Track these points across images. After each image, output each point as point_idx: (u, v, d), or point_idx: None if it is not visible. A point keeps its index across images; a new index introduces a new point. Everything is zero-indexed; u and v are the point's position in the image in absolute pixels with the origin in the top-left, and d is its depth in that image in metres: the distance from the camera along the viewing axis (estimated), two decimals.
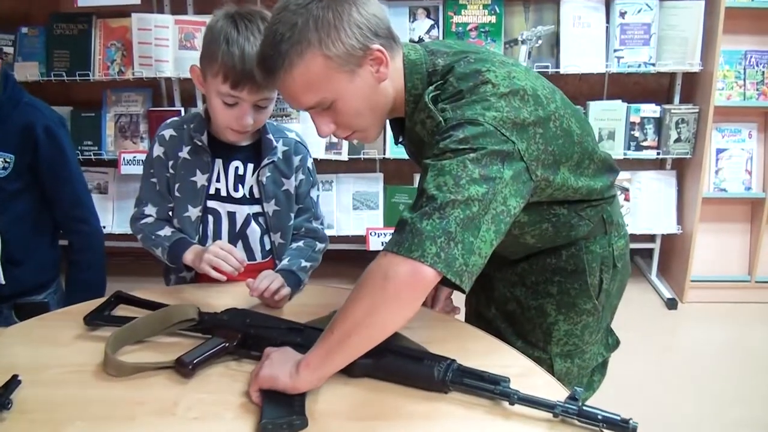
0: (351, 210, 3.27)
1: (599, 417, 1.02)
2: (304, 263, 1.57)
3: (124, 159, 3.16)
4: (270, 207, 1.59)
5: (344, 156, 3.16)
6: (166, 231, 1.58)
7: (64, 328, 1.36)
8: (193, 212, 1.57)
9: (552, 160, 1.18)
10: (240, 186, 1.59)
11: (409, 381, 1.14)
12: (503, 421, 1.07)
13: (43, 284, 1.88)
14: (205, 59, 1.46)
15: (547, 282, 1.39)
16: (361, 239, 3.28)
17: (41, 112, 1.80)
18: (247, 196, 1.59)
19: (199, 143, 1.55)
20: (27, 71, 3.16)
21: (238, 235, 1.60)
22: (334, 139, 3.10)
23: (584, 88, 3.32)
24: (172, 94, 3.23)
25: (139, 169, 3.07)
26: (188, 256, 1.51)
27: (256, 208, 1.59)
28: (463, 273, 1.04)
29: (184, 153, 1.56)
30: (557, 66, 3.07)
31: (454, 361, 1.14)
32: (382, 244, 3.19)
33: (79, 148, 3.19)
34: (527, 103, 1.14)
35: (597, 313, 1.40)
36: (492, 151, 1.07)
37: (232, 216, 1.59)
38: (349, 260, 3.22)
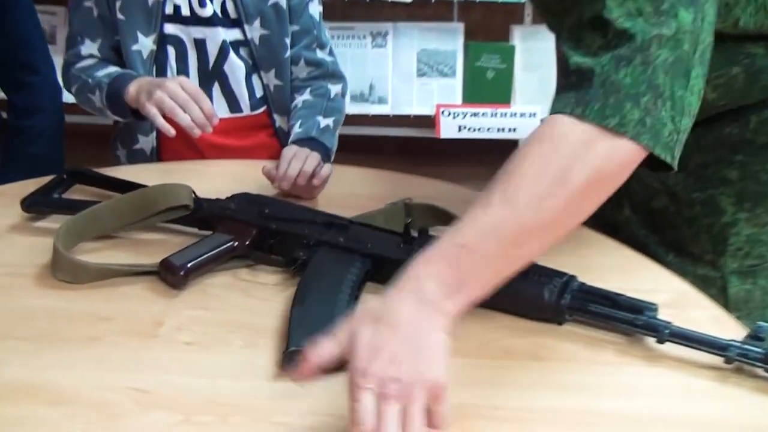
0: (414, 77, 3.26)
1: None
2: (323, 121, 1.59)
3: None
4: (255, 31, 1.60)
5: None
6: (109, 70, 1.61)
7: None
8: (146, 43, 1.59)
9: None
10: (207, 0, 1.59)
11: (506, 304, 1.14)
12: (647, 367, 1.06)
13: None
14: None
15: (723, 162, 1.36)
16: (428, 121, 3.26)
17: None
18: (219, 15, 1.60)
19: None
20: None
21: (212, 74, 1.62)
22: None
23: None
24: None
25: None
26: (131, 90, 1.52)
27: (236, 34, 1.61)
28: (674, 145, 1.01)
29: None
30: None
31: (574, 277, 1.14)
32: (459, 129, 3.25)
33: None
34: None
35: None
36: None
37: (201, 45, 1.61)
38: (408, 151, 3.21)
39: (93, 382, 1.02)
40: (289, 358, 1.03)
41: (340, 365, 0.90)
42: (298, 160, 1.44)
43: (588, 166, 0.97)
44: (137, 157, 1.72)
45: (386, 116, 3.23)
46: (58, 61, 3.28)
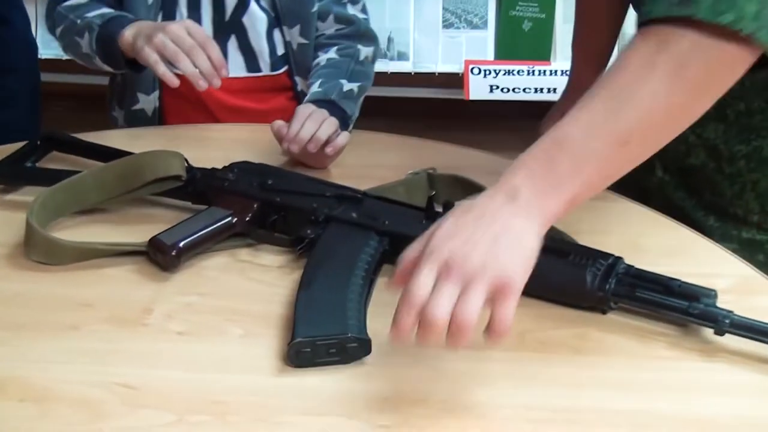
0: (440, 29, 3.25)
1: None
2: (347, 85, 1.59)
3: None
4: None
5: None
6: (102, 10, 1.60)
7: None
8: None
9: None
10: None
11: (543, 291, 1.14)
12: (704, 362, 1.06)
13: None
14: None
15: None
16: (456, 80, 3.25)
17: None
18: None
19: None
20: None
21: (229, 26, 1.62)
22: None
23: None
24: None
25: None
26: (127, 34, 1.50)
27: None
28: None
29: None
30: None
31: (620, 259, 1.14)
32: (491, 89, 3.24)
33: None
34: None
35: None
36: None
37: None
38: (432, 114, 3.20)
39: (72, 377, 1.02)
40: (294, 350, 1.04)
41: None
42: (313, 122, 1.44)
43: (700, 64, 1.00)
44: (137, 120, 1.72)
45: (407, 74, 3.21)
46: (29, 11, 3.32)
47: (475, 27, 3.25)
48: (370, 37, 1.68)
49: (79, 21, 1.57)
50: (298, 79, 1.69)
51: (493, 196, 0.95)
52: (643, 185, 1.50)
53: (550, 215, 0.96)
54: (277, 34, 1.63)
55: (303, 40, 1.63)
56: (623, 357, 1.08)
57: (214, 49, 1.43)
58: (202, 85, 1.43)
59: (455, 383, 1.01)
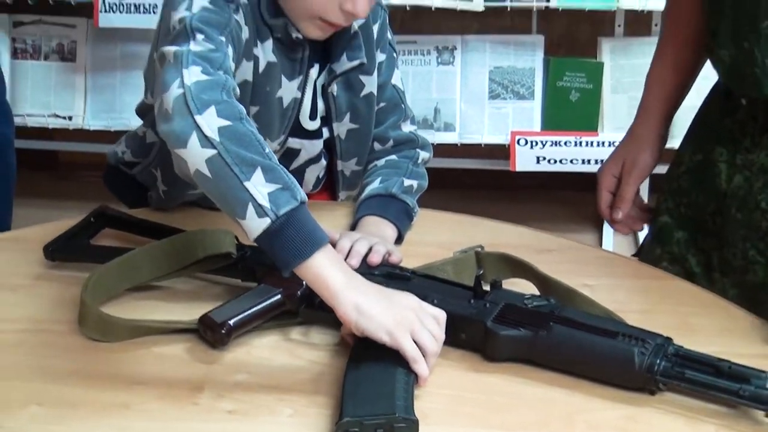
0: (486, 100, 3.25)
1: None
2: (407, 182, 1.58)
3: (104, 2, 3.16)
4: (343, 127, 1.59)
5: (478, 4, 3.13)
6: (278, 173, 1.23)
7: (5, 264, 1.43)
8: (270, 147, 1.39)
9: None
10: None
11: (591, 370, 1.15)
12: None
13: None
14: None
15: None
16: (502, 151, 3.26)
17: None
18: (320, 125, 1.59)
19: (294, 36, 1.45)
20: None
21: (293, 172, 1.56)
22: None
23: None
24: None
25: (129, 20, 3.12)
26: (337, 277, 1.19)
27: (325, 134, 1.61)
28: None
29: (266, 51, 1.47)
30: None
31: (669, 340, 1.14)
32: (537, 160, 3.22)
33: None
34: None
35: None
36: None
37: (291, 154, 1.60)
38: (478, 186, 3.21)
39: None
40: (342, 429, 1.05)
41: None
42: (346, 240, 1.38)
43: None
44: (174, 197, 1.61)
45: (454, 145, 3.23)
46: (76, 83, 3.36)
47: (521, 98, 3.25)
48: (425, 145, 1.66)
49: (262, 147, 1.20)
50: (340, 195, 1.69)
51: None
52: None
53: None
54: (330, 165, 1.64)
55: (356, 168, 1.63)
56: None
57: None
58: None
59: None
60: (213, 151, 1.14)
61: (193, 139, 1.15)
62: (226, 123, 1.16)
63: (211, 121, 1.16)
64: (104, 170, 1.60)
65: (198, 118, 1.16)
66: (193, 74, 1.20)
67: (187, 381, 1.17)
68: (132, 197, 1.59)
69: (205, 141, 1.15)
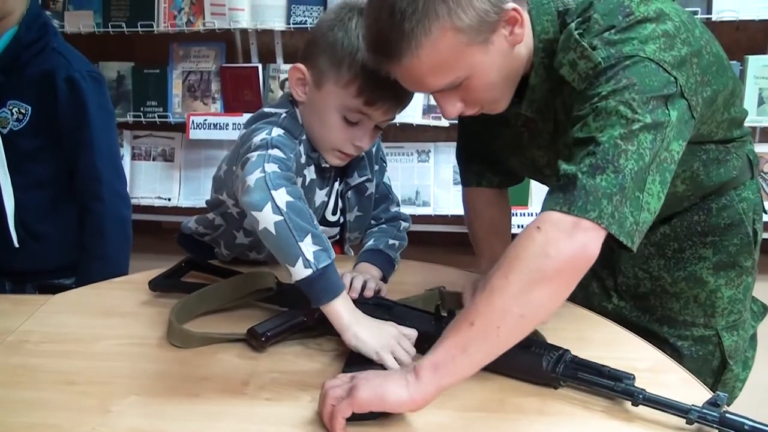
0: (451, 185, 3.22)
1: (746, 427, 0.98)
2: (391, 241, 1.56)
3: (193, 122, 3.16)
4: (351, 215, 1.56)
5: (444, 122, 3.12)
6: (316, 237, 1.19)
7: (121, 297, 1.42)
8: None
9: (710, 93, 1.18)
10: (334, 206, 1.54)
11: (513, 371, 1.13)
12: (624, 425, 1.05)
13: (69, 266, 1.82)
14: (325, 61, 1.31)
15: (697, 245, 1.37)
16: (462, 221, 3.22)
17: (67, 61, 1.72)
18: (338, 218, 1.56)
19: (324, 164, 1.43)
20: (80, 21, 3.11)
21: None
22: (433, 101, 3.05)
23: (742, 40, 3.16)
24: (248, 49, 3.24)
25: (210, 134, 3.14)
26: (345, 315, 1.17)
27: (339, 220, 1.57)
28: (633, 233, 1.04)
29: (310, 172, 1.43)
30: (708, 11, 2.92)
31: (567, 351, 1.13)
32: None
33: (142, 109, 3.22)
34: (679, 30, 1.12)
35: (755, 270, 1.40)
36: (655, 89, 1.07)
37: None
38: (446, 244, 3.19)
39: (195, 430, 1.05)
40: None
41: None
42: (347, 276, 1.38)
43: (567, 246, 1.02)
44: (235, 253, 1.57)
45: (429, 216, 3.22)
46: (174, 175, 3.38)
47: None
48: (406, 218, 1.61)
49: (314, 228, 1.18)
50: (348, 249, 1.63)
51: (404, 380, 1.02)
52: (600, 310, 1.42)
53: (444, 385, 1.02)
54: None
55: (357, 235, 1.58)
56: (567, 416, 1.07)
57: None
58: None
59: None
60: (280, 218, 1.15)
61: (268, 207, 1.15)
62: (291, 200, 1.17)
63: (281, 197, 1.16)
64: (177, 236, 1.58)
65: (273, 193, 1.16)
66: (271, 167, 1.20)
67: (237, 376, 1.17)
68: (200, 254, 1.56)
69: (276, 209, 1.15)
